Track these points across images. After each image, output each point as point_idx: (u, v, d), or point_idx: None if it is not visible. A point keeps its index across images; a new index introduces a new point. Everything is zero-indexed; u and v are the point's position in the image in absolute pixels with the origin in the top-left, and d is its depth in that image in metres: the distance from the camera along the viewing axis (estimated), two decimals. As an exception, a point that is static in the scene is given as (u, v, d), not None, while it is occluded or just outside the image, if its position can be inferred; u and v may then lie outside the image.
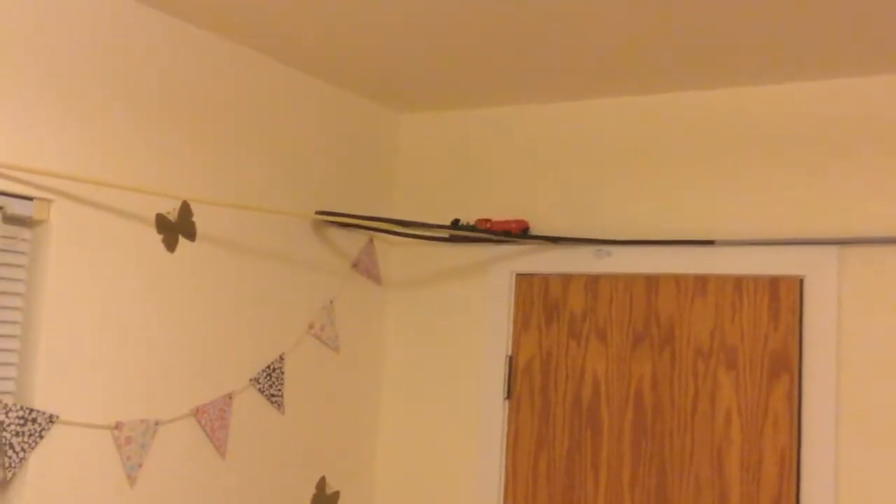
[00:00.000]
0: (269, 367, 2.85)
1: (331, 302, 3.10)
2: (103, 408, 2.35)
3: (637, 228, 2.97)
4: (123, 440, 2.38)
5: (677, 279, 2.92)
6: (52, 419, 2.21)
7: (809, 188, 2.74)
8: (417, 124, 3.42)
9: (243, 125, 2.79)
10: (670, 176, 2.94)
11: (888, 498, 2.55)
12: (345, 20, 2.51)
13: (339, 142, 3.17)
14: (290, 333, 2.95)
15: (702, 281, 2.88)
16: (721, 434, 2.80)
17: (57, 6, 2.26)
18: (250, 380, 2.79)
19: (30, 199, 2.20)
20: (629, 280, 2.99)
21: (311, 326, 3.02)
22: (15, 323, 2.22)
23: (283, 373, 2.89)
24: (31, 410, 2.18)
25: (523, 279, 3.16)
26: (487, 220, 3.12)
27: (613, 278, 3.01)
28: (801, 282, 2.74)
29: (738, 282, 2.83)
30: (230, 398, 2.71)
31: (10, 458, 2.13)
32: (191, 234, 2.60)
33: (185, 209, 2.58)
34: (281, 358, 2.89)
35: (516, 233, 3.05)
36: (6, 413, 2.12)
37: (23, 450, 2.15)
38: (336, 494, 3.13)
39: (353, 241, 3.21)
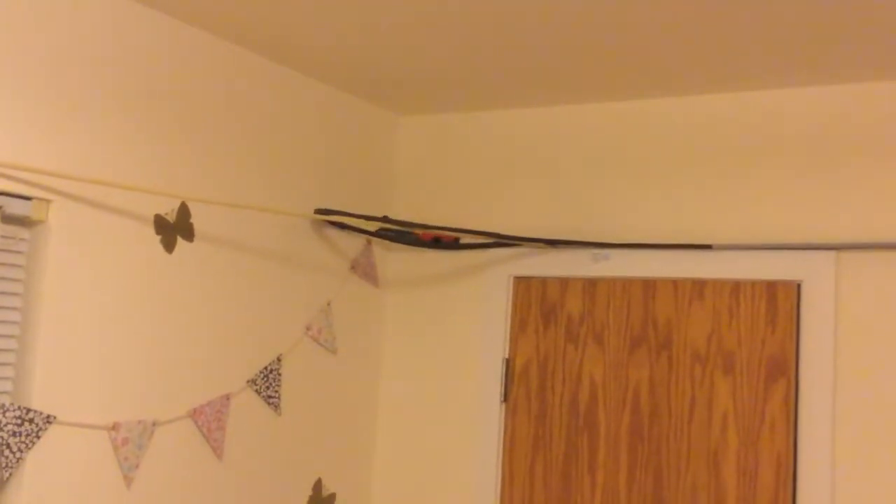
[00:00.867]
0: (266, 368, 2.85)
1: (328, 304, 3.10)
2: (100, 408, 2.35)
3: (635, 232, 2.97)
4: (120, 441, 2.38)
5: (675, 283, 2.92)
6: (49, 419, 2.21)
7: (807, 193, 2.75)
8: (416, 127, 3.43)
9: (242, 127, 2.79)
10: (668, 180, 2.95)
11: (884, 501, 2.55)
12: (344, 22, 2.51)
13: (338, 144, 3.17)
14: (287, 335, 2.95)
15: (699, 285, 2.89)
16: (718, 438, 2.81)
17: (54, 5, 2.26)
18: (247, 381, 2.79)
19: (28, 198, 2.20)
20: (627, 284, 2.99)
21: (308, 328, 3.02)
22: (13, 323, 2.22)
23: (280, 374, 2.89)
24: (29, 410, 2.17)
25: (521, 282, 3.16)
26: (424, 226, 3.12)
27: (611, 282, 3.02)
28: (799, 287, 2.74)
29: (736, 286, 2.84)
30: (227, 399, 2.70)
31: (6, 458, 2.12)
32: (189, 235, 2.60)
33: (184, 210, 2.58)
34: (278, 359, 2.89)
35: (447, 241, 3.10)
36: (3, 413, 2.12)
37: (20, 450, 2.15)
38: (332, 496, 3.13)
39: (351, 244, 3.21)
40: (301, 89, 3.01)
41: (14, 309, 2.22)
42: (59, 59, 2.26)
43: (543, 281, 3.12)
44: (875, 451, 2.58)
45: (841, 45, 2.43)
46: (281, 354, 2.90)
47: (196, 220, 2.61)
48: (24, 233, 2.24)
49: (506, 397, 3.13)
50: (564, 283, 3.09)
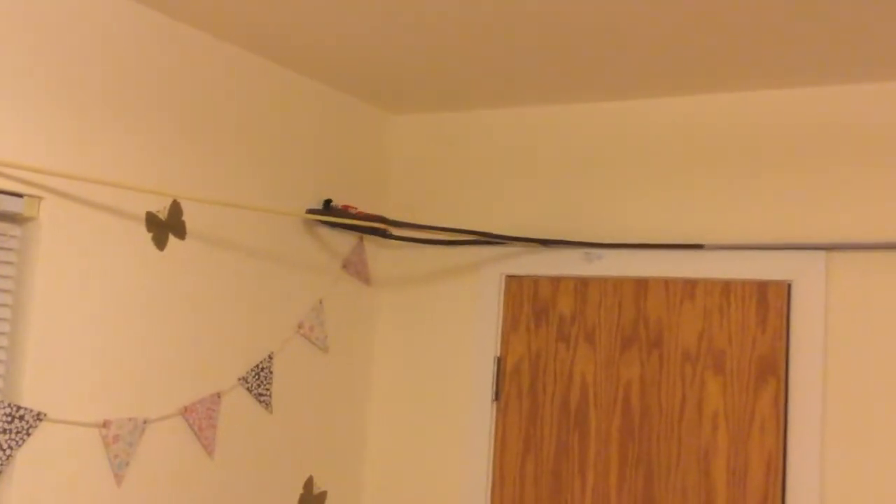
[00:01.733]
0: (257, 366, 2.85)
1: (320, 302, 3.10)
2: (91, 406, 2.35)
3: (626, 232, 2.98)
4: (111, 438, 2.38)
5: (666, 283, 2.93)
6: (39, 417, 2.20)
7: (798, 193, 2.76)
8: (410, 125, 3.43)
9: (235, 125, 2.79)
10: (660, 180, 2.95)
11: (873, 502, 2.56)
12: (338, 21, 2.51)
13: (332, 142, 3.17)
14: (279, 333, 2.95)
15: (690, 285, 2.90)
16: (708, 438, 2.82)
17: (46, 4, 2.25)
18: (239, 379, 2.79)
19: (20, 196, 2.19)
20: (618, 283, 3.00)
21: (300, 326, 3.02)
22: (3, 320, 2.22)
23: (271, 372, 2.89)
24: (19, 408, 2.17)
25: (513, 281, 3.17)
26: (352, 207, 3.10)
27: (602, 281, 3.02)
28: (789, 286, 2.75)
29: (727, 286, 2.84)
30: (218, 397, 2.70)
31: (-4, 455, 2.13)
32: (181, 233, 2.60)
33: (176, 208, 2.58)
34: (270, 357, 2.89)
35: (380, 228, 3.11)
36: (-7, 410, 2.12)
37: (10, 447, 2.15)
38: (323, 494, 3.13)
39: (343, 242, 3.21)
40: (294, 87, 3.01)
41: (5, 306, 2.22)
42: (50, 57, 2.26)
43: (535, 280, 3.13)
44: (864, 450, 2.59)
45: (832, 46, 2.44)
46: (272, 352, 2.90)
47: (188, 218, 2.61)
48: (15, 230, 2.24)
49: (497, 396, 3.14)
50: (556, 282, 3.09)
